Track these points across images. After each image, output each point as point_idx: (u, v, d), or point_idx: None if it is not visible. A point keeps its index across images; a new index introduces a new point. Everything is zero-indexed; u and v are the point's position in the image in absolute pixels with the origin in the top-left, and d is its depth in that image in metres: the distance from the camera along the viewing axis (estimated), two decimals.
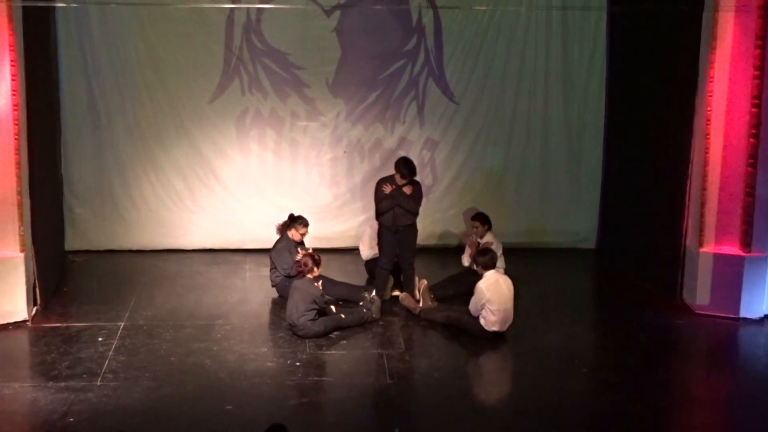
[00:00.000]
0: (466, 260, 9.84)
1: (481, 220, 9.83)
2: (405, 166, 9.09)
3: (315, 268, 8.72)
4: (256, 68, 10.75)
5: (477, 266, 8.72)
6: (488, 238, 9.75)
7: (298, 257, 8.80)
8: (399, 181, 9.09)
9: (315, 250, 9.13)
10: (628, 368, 8.13)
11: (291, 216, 9.55)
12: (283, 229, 9.54)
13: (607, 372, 8.06)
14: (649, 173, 9.92)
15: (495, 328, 8.56)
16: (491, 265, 8.64)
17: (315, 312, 8.57)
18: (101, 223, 10.88)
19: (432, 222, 11.00)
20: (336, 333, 8.72)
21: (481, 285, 8.55)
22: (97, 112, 10.63)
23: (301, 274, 8.73)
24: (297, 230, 9.45)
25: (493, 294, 8.49)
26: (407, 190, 9.13)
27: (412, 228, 9.29)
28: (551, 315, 9.32)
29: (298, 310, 8.52)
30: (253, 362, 8.11)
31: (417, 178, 9.31)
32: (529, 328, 8.95)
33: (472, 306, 8.60)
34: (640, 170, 10.10)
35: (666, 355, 8.57)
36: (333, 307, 8.84)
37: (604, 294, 10.16)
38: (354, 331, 8.79)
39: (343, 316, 8.77)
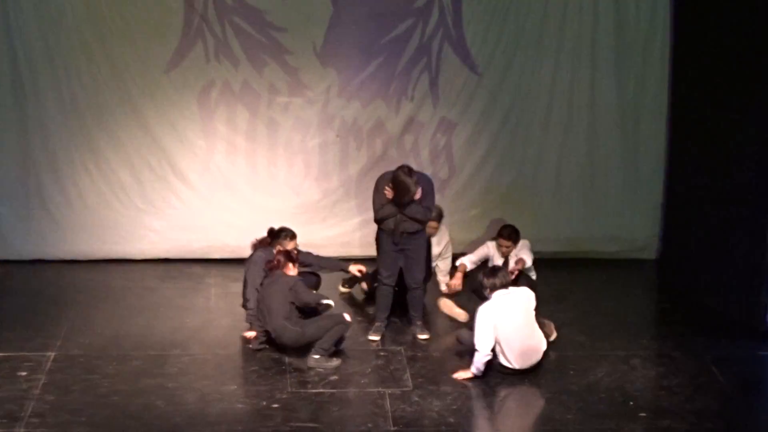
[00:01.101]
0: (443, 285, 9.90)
1: (512, 237, 9.86)
2: (404, 173, 8.95)
3: (290, 265, 8.87)
4: (225, 29, 10.78)
5: (484, 290, 8.65)
6: (521, 251, 9.84)
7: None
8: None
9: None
10: (698, 413, 8.11)
11: (272, 231, 9.52)
12: (261, 246, 9.50)
13: (672, 418, 8.04)
14: (725, 166, 9.93)
15: (515, 366, 8.52)
16: (503, 287, 8.61)
17: (293, 309, 8.71)
18: (26, 225, 10.92)
19: (448, 225, 10.94)
20: (325, 368, 8.69)
21: (483, 309, 8.49)
22: (21, 85, 10.66)
23: (272, 270, 8.90)
24: (284, 246, 9.39)
25: (501, 319, 8.44)
26: (415, 193, 9.06)
27: (421, 235, 9.22)
28: (600, 344, 9.32)
29: (271, 310, 8.65)
30: (218, 404, 8.10)
31: (425, 172, 9.26)
32: (571, 360, 8.95)
33: (470, 338, 8.56)
34: (713, 162, 10.10)
35: (747, 396, 8.57)
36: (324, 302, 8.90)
37: (667, 317, 10.17)
38: (348, 364, 8.80)
39: (326, 302, 8.86)
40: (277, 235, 9.46)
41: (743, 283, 9.65)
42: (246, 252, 10.96)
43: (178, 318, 9.71)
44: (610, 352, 9.11)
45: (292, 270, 8.95)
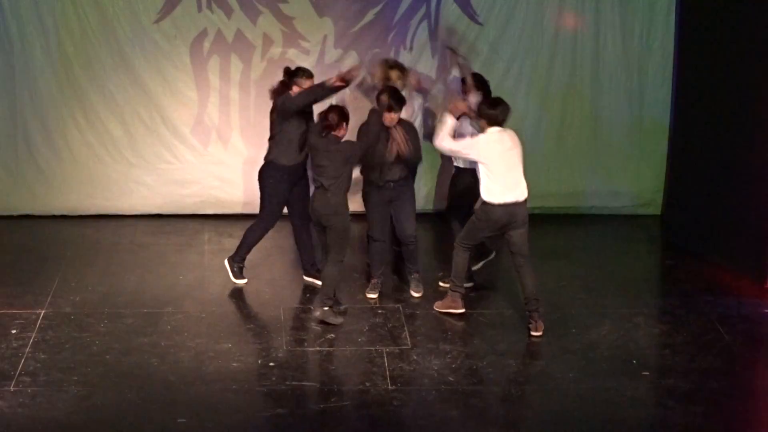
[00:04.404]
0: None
1: (478, 81, 9.52)
2: (389, 96, 8.99)
3: (343, 124, 8.72)
4: None
5: (480, 118, 8.71)
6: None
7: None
8: (387, 120, 9.00)
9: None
10: (702, 372, 8.16)
11: (288, 70, 9.33)
12: (280, 91, 9.33)
13: (676, 377, 8.09)
14: (734, 119, 9.88)
15: (506, 200, 8.54)
16: (499, 123, 8.65)
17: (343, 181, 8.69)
18: (14, 179, 10.92)
19: (447, 179, 10.98)
20: (322, 324, 8.74)
21: (482, 137, 8.62)
22: (7, 35, 10.61)
23: (327, 130, 8.71)
24: (301, 87, 9.23)
25: (491, 153, 8.53)
26: (398, 132, 9.02)
27: (406, 185, 9.20)
28: (603, 301, 9.36)
29: (328, 174, 8.61)
30: (213, 362, 8.14)
31: (409, 118, 9.29)
32: (574, 318, 8.99)
33: (447, 140, 8.64)
34: (721, 115, 10.06)
35: (753, 354, 8.59)
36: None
37: (671, 274, 10.20)
38: (345, 322, 8.82)
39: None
40: (294, 73, 9.27)
41: (749, 240, 9.67)
42: (240, 206, 11.02)
43: (171, 275, 9.73)
44: (613, 310, 9.15)
45: (343, 130, 8.72)
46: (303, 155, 9.21)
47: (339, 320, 8.79)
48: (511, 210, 8.62)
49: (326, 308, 8.75)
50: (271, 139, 9.34)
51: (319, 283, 9.20)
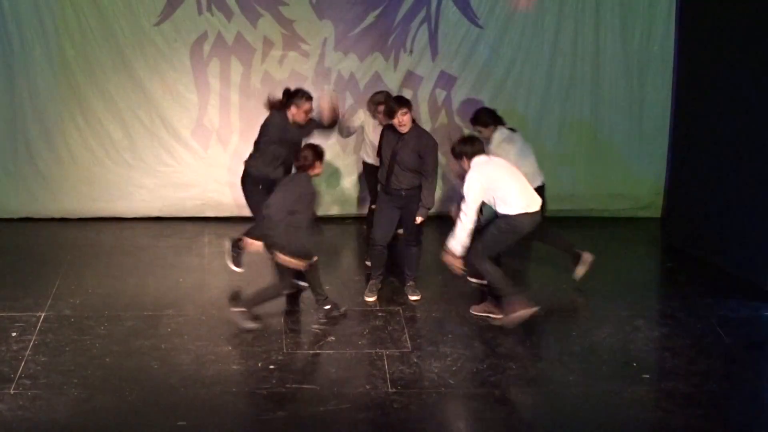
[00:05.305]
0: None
1: (483, 120, 9.56)
2: (388, 101, 9.12)
3: (317, 163, 8.71)
4: None
5: (460, 159, 8.67)
6: (499, 136, 9.50)
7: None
8: (397, 124, 9.01)
9: None
10: (702, 374, 8.16)
11: (287, 91, 9.40)
12: (276, 107, 9.40)
13: (676, 380, 8.09)
14: (734, 122, 9.89)
15: (531, 208, 8.54)
16: (480, 152, 8.65)
17: (297, 219, 8.58)
18: (14, 182, 10.95)
19: (446, 183, 11.01)
20: (322, 327, 8.74)
21: (472, 174, 8.54)
22: (7, 36, 10.63)
23: (301, 170, 8.72)
24: (299, 107, 9.29)
25: (489, 174, 8.49)
26: (410, 139, 9.00)
27: (418, 194, 9.16)
28: (603, 304, 9.37)
29: (278, 207, 8.52)
30: (213, 365, 8.15)
31: (424, 127, 9.28)
32: (574, 321, 9.01)
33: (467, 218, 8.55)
34: (721, 118, 10.07)
35: (753, 357, 8.59)
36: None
37: (671, 277, 10.21)
38: (345, 324, 8.84)
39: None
40: (293, 95, 9.33)
41: (749, 243, 9.68)
42: (240, 209, 11.03)
43: (171, 277, 9.75)
44: (613, 313, 9.16)
45: (318, 168, 8.70)
46: (281, 171, 9.28)
47: (343, 309, 8.95)
48: (536, 218, 8.66)
49: (326, 306, 8.86)
50: (256, 145, 9.41)
51: (303, 283, 9.27)
